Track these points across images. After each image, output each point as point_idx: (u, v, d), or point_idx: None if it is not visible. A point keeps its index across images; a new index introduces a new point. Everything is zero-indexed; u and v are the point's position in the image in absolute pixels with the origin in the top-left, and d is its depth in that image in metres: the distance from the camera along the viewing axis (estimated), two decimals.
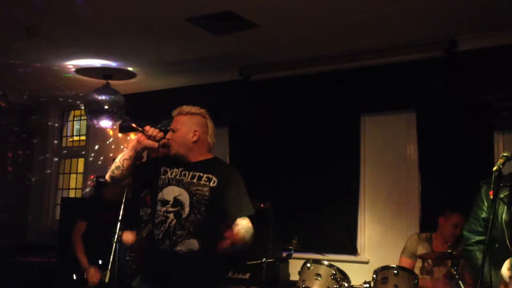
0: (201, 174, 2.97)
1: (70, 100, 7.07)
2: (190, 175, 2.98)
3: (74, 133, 7.73)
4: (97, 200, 5.05)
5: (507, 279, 2.68)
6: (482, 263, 2.46)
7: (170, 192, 2.95)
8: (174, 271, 2.88)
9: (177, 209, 2.91)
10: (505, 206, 2.80)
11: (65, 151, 7.62)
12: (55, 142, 7.60)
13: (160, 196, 2.98)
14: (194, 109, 3.08)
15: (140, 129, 2.95)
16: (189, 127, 3.02)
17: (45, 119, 7.54)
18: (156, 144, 2.93)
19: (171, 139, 3.00)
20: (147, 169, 3.13)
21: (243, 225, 2.89)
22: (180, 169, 3.00)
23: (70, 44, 4.93)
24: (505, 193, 2.83)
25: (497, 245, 2.80)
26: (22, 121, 7.32)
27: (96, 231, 4.74)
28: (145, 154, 4.61)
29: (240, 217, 2.92)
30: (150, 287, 2.99)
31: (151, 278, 2.98)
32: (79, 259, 4.65)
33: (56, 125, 7.61)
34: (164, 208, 2.93)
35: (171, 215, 2.91)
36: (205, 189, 2.93)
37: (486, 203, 2.93)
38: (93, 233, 4.74)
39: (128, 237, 4.09)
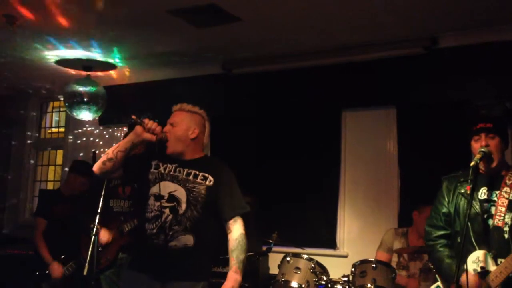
0: (197, 172, 2.98)
1: (48, 90, 6.97)
2: (185, 172, 2.98)
3: (53, 125, 7.61)
4: (54, 194, 5.02)
5: (472, 272, 2.74)
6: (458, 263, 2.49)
7: (165, 187, 2.94)
8: (168, 265, 2.87)
9: (173, 204, 2.90)
10: (466, 200, 2.86)
11: (43, 143, 7.52)
12: (34, 133, 7.48)
13: (153, 190, 2.96)
14: (195, 108, 3.11)
15: (139, 121, 2.91)
16: (189, 124, 3.04)
17: (23, 110, 7.42)
18: (154, 137, 2.91)
19: (169, 133, 2.99)
20: (139, 162, 3.08)
21: (237, 243, 2.97)
22: (174, 165, 3.00)
23: (49, 35, 4.86)
24: (465, 188, 2.89)
25: (458, 239, 2.86)
26: (0, 111, 7.20)
27: (55, 226, 4.72)
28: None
29: (233, 216, 2.98)
30: (138, 277, 2.93)
31: (141, 268, 2.94)
32: (42, 256, 4.64)
33: (35, 115, 7.48)
34: (159, 203, 2.91)
35: (167, 210, 2.90)
36: (202, 187, 2.94)
37: (446, 198, 3.02)
38: (52, 228, 4.73)
39: (105, 236, 4.05)
